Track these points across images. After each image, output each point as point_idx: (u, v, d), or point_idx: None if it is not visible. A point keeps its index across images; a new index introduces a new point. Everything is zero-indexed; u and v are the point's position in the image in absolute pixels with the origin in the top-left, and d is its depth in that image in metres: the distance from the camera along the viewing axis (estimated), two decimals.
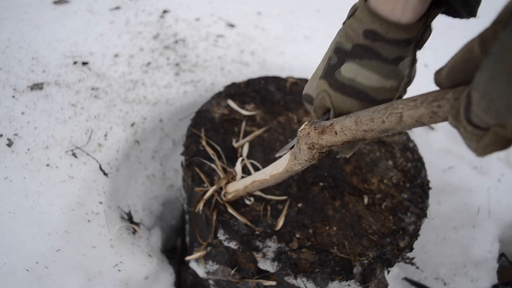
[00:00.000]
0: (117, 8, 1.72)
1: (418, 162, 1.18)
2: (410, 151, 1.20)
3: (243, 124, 1.15)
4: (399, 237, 1.00)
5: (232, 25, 1.79)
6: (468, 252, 1.40)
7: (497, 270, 1.38)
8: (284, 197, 1.02)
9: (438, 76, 0.51)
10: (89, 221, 1.12)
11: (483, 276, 1.36)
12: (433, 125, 1.68)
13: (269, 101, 1.24)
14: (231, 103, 1.20)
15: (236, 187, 0.96)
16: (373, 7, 0.63)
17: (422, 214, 1.06)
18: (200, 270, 1.11)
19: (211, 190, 0.99)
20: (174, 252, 1.39)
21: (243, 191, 0.94)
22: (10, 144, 1.15)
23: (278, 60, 1.70)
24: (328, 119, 0.71)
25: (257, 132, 1.14)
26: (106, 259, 1.10)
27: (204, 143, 1.09)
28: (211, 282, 1.11)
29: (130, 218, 1.24)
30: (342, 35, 0.68)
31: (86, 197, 1.15)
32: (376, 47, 0.64)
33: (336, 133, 0.63)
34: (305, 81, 1.33)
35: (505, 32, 0.39)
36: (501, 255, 1.44)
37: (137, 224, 1.25)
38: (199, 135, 1.11)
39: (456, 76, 0.49)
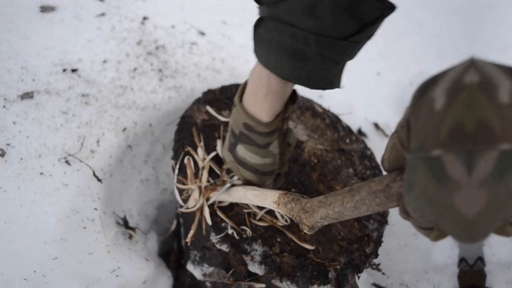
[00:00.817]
0: (103, 14, 1.72)
1: (376, 170, 1.21)
2: (368, 159, 1.24)
3: (222, 130, 1.16)
4: (365, 243, 1.02)
5: (202, 33, 1.81)
6: (429, 258, 1.43)
7: (458, 275, 1.40)
8: None
9: (383, 165, 0.57)
10: (85, 227, 1.13)
11: (444, 282, 1.39)
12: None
13: None
14: (209, 109, 1.22)
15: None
16: (245, 107, 0.87)
17: (383, 220, 1.09)
18: (197, 272, 1.12)
19: (199, 203, 0.99)
20: (171, 256, 1.40)
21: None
22: (2, 154, 1.15)
23: (245, 68, 1.73)
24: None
25: None
26: (103, 265, 1.11)
27: (198, 143, 1.10)
28: (208, 284, 1.13)
29: (125, 223, 1.25)
30: (232, 120, 0.92)
31: (81, 204, 1.16)
32: (252, 136, 0.88)
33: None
34: None
35: (409, 157, 0.43)
36: (461, 260, 1.45)
37: (133, 228, 1.26)
38: (188, 140, 1.12)
39: (395, 166, 0.54)
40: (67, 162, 1.20)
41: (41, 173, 1.16)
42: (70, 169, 1.20)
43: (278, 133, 0.88)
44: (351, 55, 0.75)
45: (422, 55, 2.12)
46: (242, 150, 0.91)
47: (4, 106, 1.26)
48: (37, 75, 1.39)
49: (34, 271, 1.00)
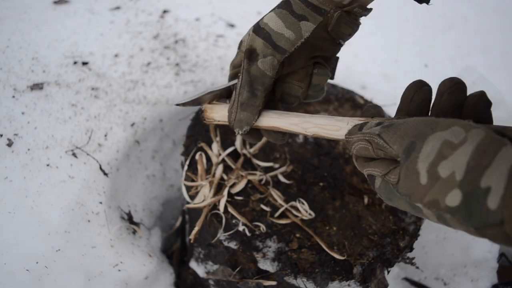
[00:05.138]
0: (117, 8, 1.72)
1: None
2: None
3: None
4: (399, 237, 1.00)
5: (232, 25, 1.79)
6: (468, 252, 1.40)
7: (497, 270, 1.38)
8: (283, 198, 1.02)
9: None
10: (89, 221, 1.12)
11: (483, 276, 1.36)
12: None
13: None
14: None
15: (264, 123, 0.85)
16: None
17: None
18: (200, 270, 1.11)
19: (208, 199, 0.98)
20: (174, 252, 1.39)
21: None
22: (10, 144, 1.15)
23: None
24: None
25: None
26: (106, 259, 1.10)
27: (214, 138, 1.09)
28: (211, 282, 1.11)
29: (130, 218, 1.24)
30: None
31: (86, 197, 1.15)
32: (292, 1, 0.78)
33: None
34: None
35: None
36: (501, 255, 1.44)
37: (137, 224, 1.25)
38: (201, 135, 1.11)
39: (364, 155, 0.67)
40: (74, 154, 1.20)
41: (47, 165, 1.15)
42: (76, 162, 1.19)
43: (322, 22, 0.77)
44: None
45: (467, 50, 2.12)
46: (270, 16, 0.81)
47: (13, 96, 1.26)
48: (47, 67, 1.39)
49: (37, 263, 0.99)
